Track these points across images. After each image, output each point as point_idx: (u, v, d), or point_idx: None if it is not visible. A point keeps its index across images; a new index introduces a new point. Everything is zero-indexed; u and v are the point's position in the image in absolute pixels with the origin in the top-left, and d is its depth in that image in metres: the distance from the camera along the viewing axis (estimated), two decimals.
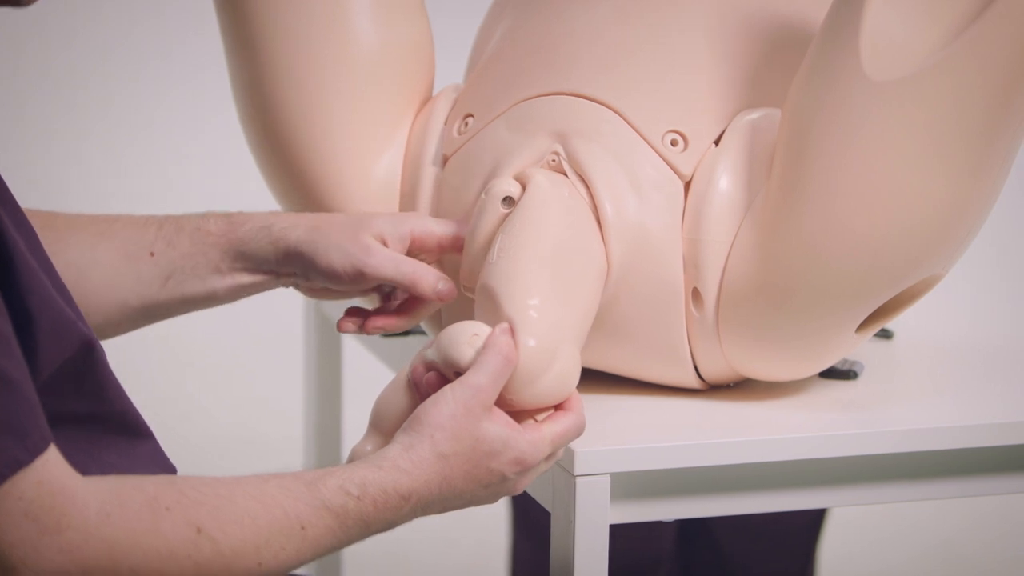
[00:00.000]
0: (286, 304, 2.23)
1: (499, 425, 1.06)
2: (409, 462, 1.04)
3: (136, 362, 2.66)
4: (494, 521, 2.47)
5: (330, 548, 1.01)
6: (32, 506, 0.89)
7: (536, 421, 1.10)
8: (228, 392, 3.20)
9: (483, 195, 1.23)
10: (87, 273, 1.22)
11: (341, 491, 1.01)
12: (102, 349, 1.05)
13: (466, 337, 1.10)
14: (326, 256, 1.21)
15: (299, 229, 1.22)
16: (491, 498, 1.08)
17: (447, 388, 1.06)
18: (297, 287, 1.26)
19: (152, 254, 1.23)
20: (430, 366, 1.10)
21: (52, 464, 0.91)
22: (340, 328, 1.24)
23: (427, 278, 1.21)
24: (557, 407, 1.12)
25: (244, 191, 2.37)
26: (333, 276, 1.21)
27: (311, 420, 1.87)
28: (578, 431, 1.11)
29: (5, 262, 0.96)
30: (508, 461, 1.06)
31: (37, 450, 0.90)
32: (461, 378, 1.07)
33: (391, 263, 1.21)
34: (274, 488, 0.99)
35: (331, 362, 1.84)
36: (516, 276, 1.15)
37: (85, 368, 1.03)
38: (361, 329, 1.25)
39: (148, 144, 3.26)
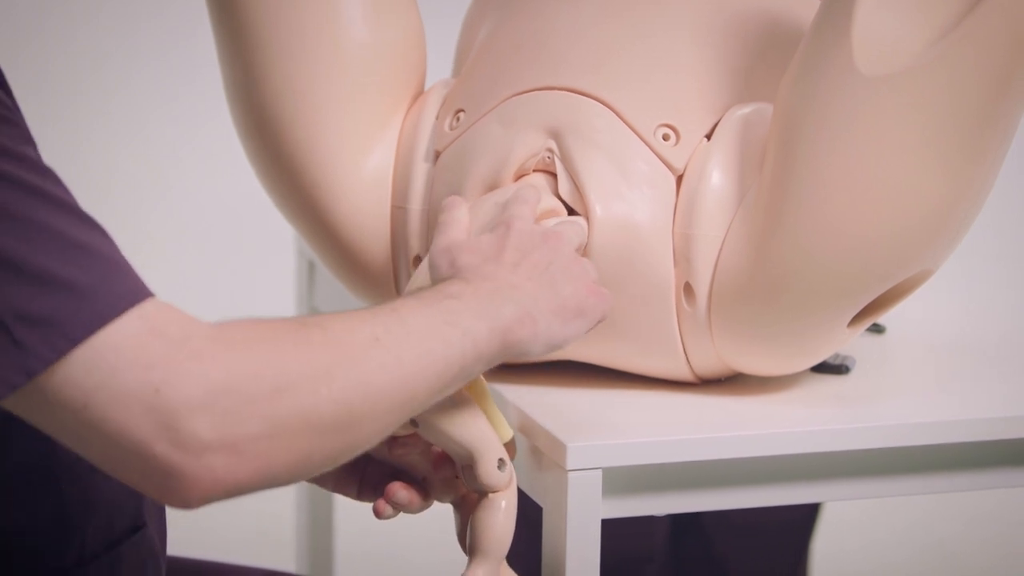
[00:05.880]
0: (284, 302, 2.23)
1: None
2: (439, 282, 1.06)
3: None
4: None
5: (437, 332, 0.96)
6: (156, 322, 0.86)
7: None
8: None
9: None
10: None
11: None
12: None
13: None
14: None
15: None
16: (552, 257, 1.10)
17: None
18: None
19: None
20: None
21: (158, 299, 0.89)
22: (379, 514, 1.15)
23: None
24: None
25: (242, 191, 2.37)
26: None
27: None
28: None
29: None
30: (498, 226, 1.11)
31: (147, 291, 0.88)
32: None
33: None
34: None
35: None
36: None
37: None
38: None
39: (146, 144, 3.26)
